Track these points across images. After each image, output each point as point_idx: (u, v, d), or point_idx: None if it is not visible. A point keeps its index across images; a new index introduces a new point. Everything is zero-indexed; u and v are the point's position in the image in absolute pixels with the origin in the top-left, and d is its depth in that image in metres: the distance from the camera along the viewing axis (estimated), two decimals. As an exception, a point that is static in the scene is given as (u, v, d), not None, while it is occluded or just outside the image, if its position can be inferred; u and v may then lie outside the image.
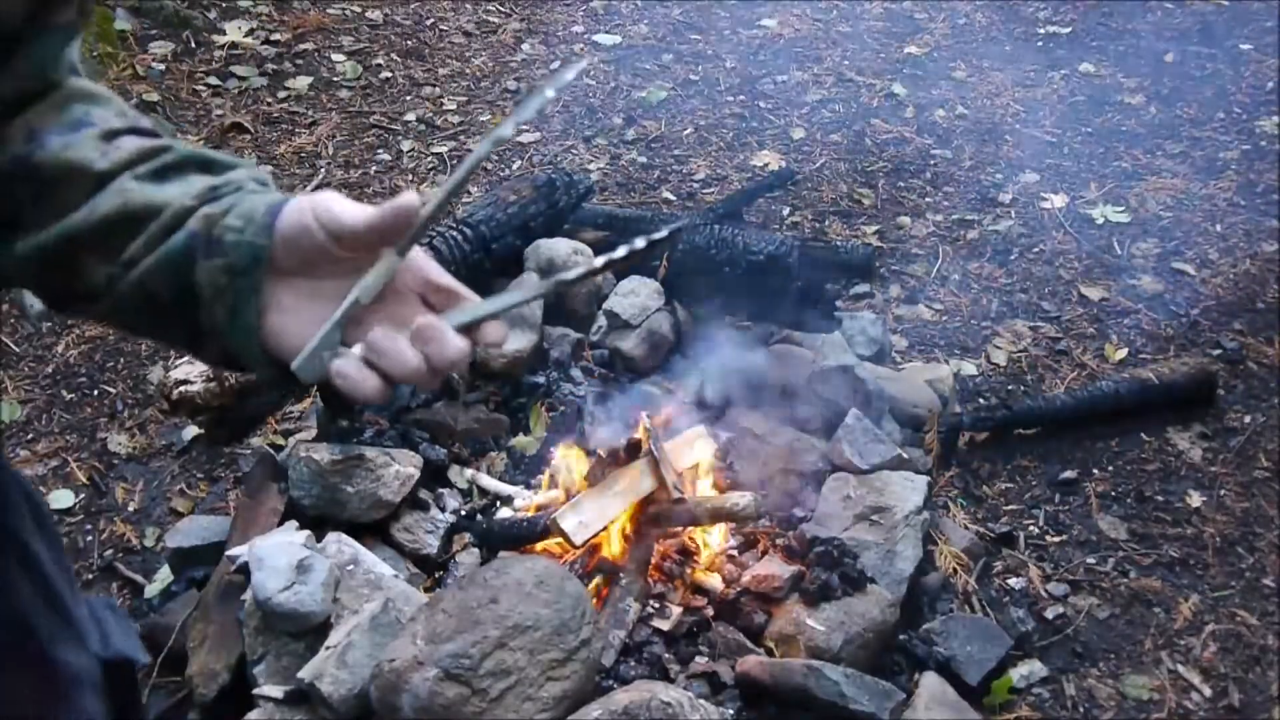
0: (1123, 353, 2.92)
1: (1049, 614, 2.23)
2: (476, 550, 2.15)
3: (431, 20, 4.67)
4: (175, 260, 0.73)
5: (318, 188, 3.57)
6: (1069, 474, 2.56)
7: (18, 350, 2.95)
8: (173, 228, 0.74)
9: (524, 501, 2.24)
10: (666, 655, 1.93)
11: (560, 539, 2.01)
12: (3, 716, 0.91)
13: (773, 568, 2.04)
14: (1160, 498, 2.52)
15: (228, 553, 2.04)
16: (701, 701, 1.71)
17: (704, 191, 3.61)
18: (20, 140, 0.76)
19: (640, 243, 0.73)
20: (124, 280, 0.74)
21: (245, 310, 0.73)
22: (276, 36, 4.43)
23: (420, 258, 0.78)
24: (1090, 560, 2.37)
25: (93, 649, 1.01)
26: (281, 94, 4.09)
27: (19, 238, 0.75)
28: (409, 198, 0.73)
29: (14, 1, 0.74)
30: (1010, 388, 2.84)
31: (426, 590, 2.04)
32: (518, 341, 2.48)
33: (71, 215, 0.74)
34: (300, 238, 0.73)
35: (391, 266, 0.75)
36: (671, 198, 3.58)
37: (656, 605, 2.02)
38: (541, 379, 2.51)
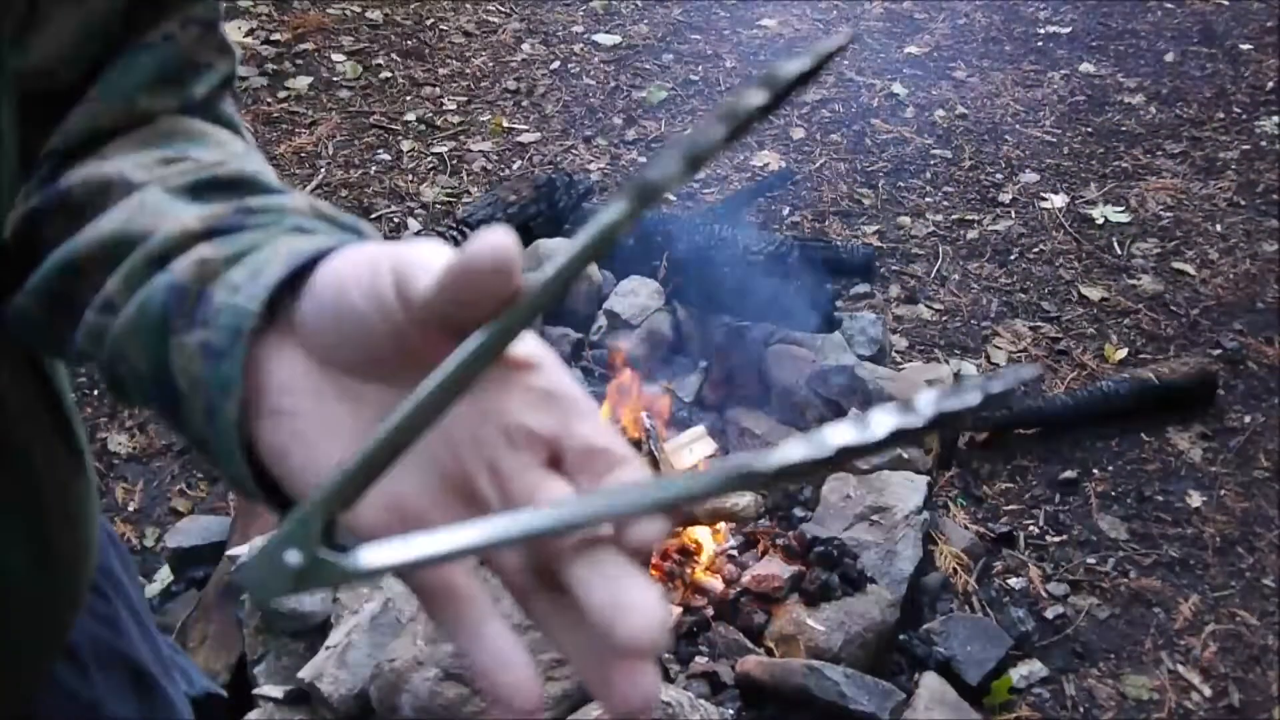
0: (1123, 353, 2.92)
1: (1049, 614, 2.23)
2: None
3: (431, 20, 4.67)
4: (148, 325, 0.46)
5: (318, 187, 3.58)
6: (1069, 474, 2.56)
7: (18, 350, 2.95)
8: (163, 258, 0.48)
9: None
10: (666, 655, 1.93)
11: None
12: None
13: (773, 568, 2.04)
14: (1160, 498, 2.51)
15: (228, 553, 2.04)
16: (701, 701, 1.71)
17: (704, 191, 3.61)
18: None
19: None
20: (107, 338, 0.49)
21: (223, 410, 0.44)
22: (276, 36, 4.43)
23: (545, 363, 0.42)
24: (1090, 560, 2.37)
25: (181, 688, 0.96)
26: (281, 94, 4.09)
27: None
28: (500, 241, 0.38)
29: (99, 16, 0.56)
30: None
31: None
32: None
33: (75, 237, 0.51)
34: (342, 304, 0.41)
35: (470, 371, 0.37)
36: (672, 198, 3.58)
37: (656, 605, 2.01)
38: (541, 379, 2.50)
